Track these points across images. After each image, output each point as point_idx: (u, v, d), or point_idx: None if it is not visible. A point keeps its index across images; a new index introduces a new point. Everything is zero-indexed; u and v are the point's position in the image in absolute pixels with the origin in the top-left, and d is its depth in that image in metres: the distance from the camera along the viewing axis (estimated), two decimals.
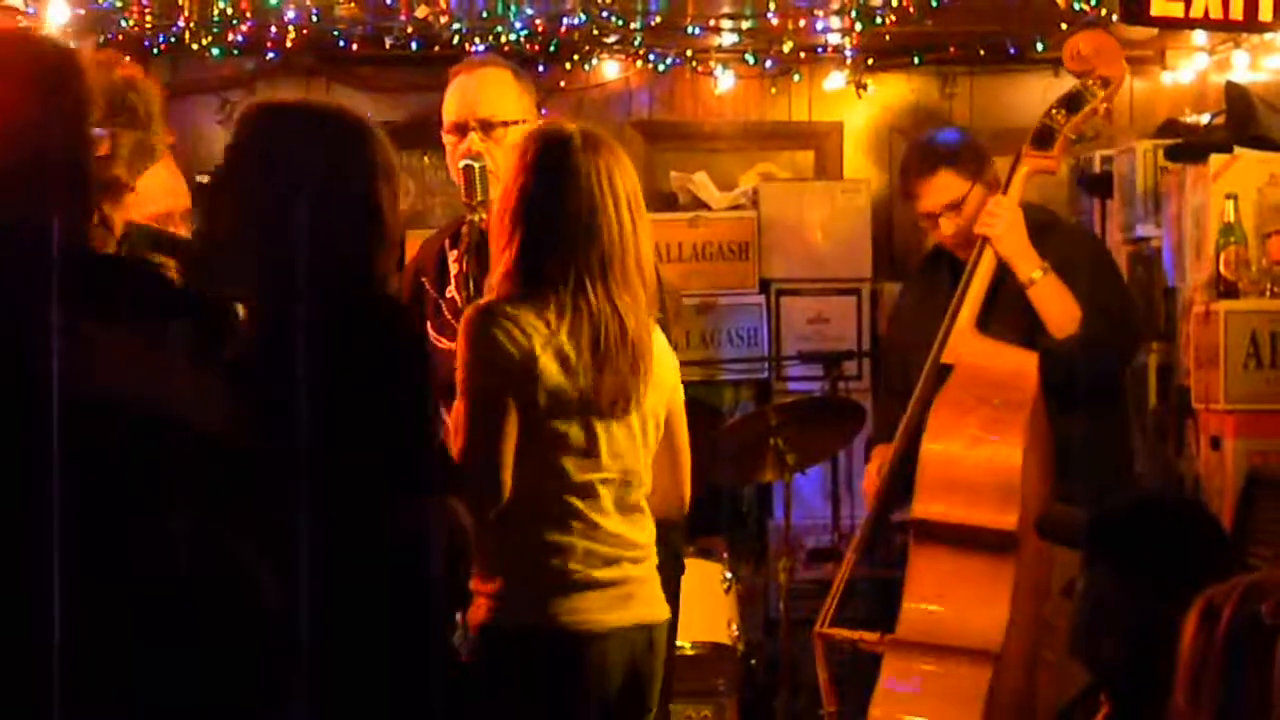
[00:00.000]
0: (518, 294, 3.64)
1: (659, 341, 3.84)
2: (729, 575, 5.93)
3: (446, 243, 4.48)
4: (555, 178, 3.64)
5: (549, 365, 3.60)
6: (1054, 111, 5.17)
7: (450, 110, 4.46)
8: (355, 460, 2.95)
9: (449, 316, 4.35)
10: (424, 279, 4.48)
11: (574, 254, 3.62)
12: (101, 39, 6.89)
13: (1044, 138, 5.16)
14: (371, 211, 3.18)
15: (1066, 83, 5.39)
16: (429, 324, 4.39)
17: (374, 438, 3.01)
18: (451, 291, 4.39)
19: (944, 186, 5.22)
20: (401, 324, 3.43)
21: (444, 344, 4.24)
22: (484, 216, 4.14)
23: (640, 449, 3.76)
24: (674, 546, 4.20)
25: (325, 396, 2.93)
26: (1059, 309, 5.01)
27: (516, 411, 3.61)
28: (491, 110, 4.41)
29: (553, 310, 3.62)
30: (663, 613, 3.84)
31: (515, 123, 4.41)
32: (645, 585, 3.78)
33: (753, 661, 6.28)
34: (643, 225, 3.72)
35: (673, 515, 4.08)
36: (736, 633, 5.88)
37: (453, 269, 4.40)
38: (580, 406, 3.64)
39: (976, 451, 4.85)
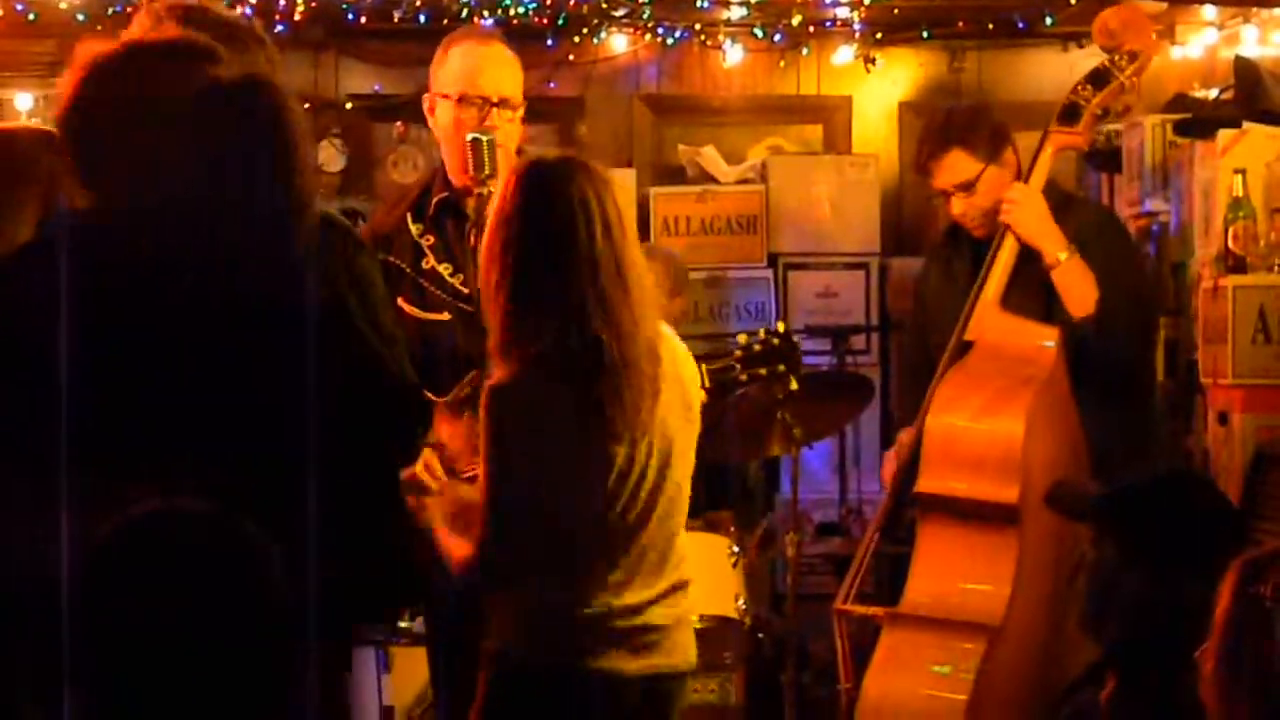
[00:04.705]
0: (524, 358, 3.55)
1: (678, 350, 3.79)
2: (736, 549, 5.93)
3: (408, 217, 4.45)
4: (539, 210, 3.57)
5: (565, 422, 3.54)
6: (1080, 87, 5.16)
7: (464, 81, 4.40)
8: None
9: (432, 288, 4.35)
10: (388, 257, 4.36)
11: (564, 285, 3.54)
12: (110, 13, 6.89)
13: (1070, 113, 5.14)
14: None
15: (1075, 57, 5.40)
16: (402, 299, 4.34)
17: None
18: (430, 264, 4.38)
19: (955, 166, 5.21)
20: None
21: (427, 315, 4.31)
22: (492, 191, 4.13)
23: (670, 470, 3.68)
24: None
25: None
26: (1081, 289, 4.99)
27: (540, 481, 3.56)
28: (512, 90, 4.39)
29: (554, 361, 3.53)
30: (685, 662, 3.77)
31: (522, 105, 4.43)
32: (671, 631, 3.72)
33: (760, 636, 6.28)
34: (630, 249, 3.62)
35: None
36: (744, 607, 5.88)
37: (424, 243, 4.39)
38: (597, 454, 3.57)
39: (979, 425, 4.86)
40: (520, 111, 4.41)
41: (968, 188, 5.20)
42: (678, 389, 3.72)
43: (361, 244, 3.52)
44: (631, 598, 3.65)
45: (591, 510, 3.59)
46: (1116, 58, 5.15)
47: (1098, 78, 5.15)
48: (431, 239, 4.38)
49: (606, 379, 3.54)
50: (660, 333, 3.69)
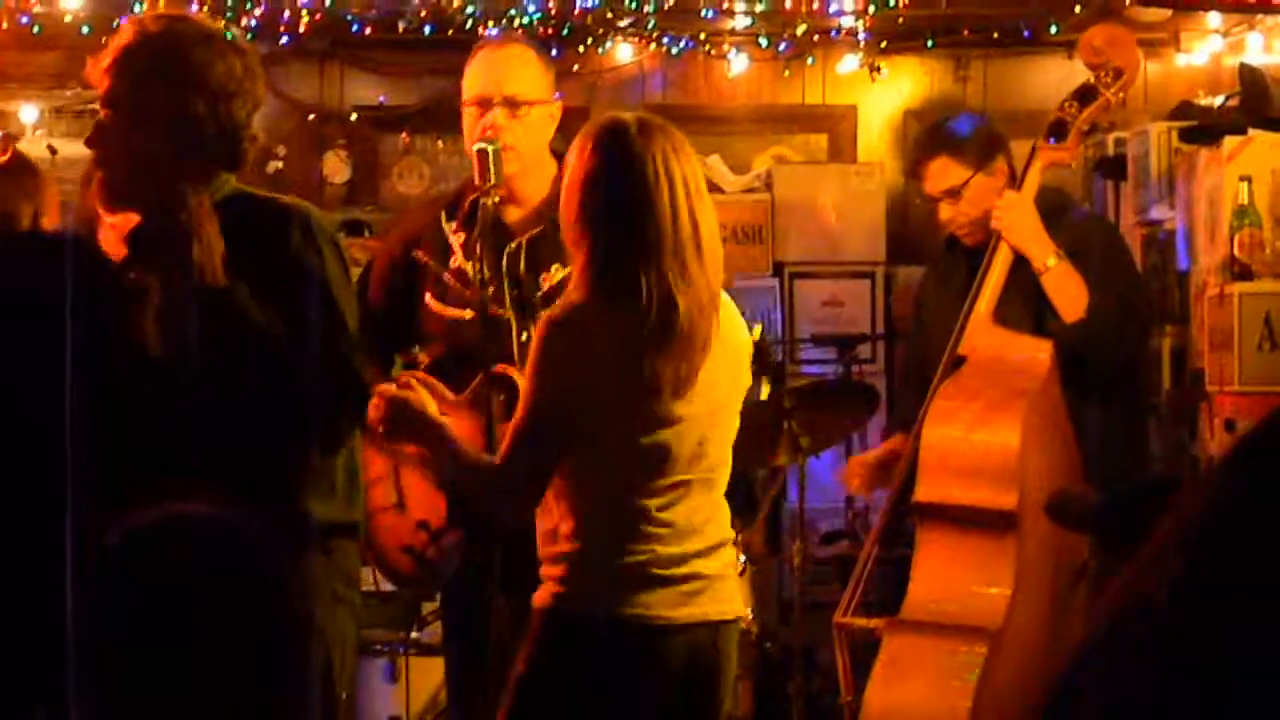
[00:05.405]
0: (588, 298, 3.58)
1: (733, 315, 3.81)
2: (743, 558, 5.93)
3: (442, 215, 4.49)
4: (614, 168, 3.58)
5: (617, 369, 3.55)
6: (1067, 104, 5.18)
7: (474, 84, 4.45)
8: None
9: (457, 285, 4.38)
10: (417, 252, 4.46)
11: (639, 243, 3.56)
12: (115, 25, 6.90)
13: (1058, 130, 5.16)
14: None
15: (1080, 66, 5.40)
16: (429, 294, 4.42)
17: None
18: (457, 261, 4.41)
19: (941, 172, 5.23)
20: None
21: (450, 312, 4.35)
22: (497, 200, 4.17)
23: (717, 430, 3.72)
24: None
25: None
26: (1070, 295, 5.01)
27: (580, 421, 3.57)
28: (516, 88, 4.40)
29: (621, 306, 3.55)
30: (732, 611, 3.78)
31: (538, 103, 4.43)
32: (716, 582, 3.72)
33: (767, 644, 6.28)
34: (704, 207, 3.65)
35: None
36: (751, 615, 5.89)
37: (454, 240, 4.42)
38: (649, 403, 3.59)
39: (974, 435, 4.87)
40: (538, 109, 4.43)
41: (954, 194, 5.22)
42: (731, 353, 3.75)
43: (294, 222, 3.64)
44: (677, 548, 3.65)
45: (632, 449, 3.60)
46: (1102, 74, 5.17)
47: (1084, 95, 5.17)
48: (463, 236, 4.42)
49: (664, 336, 3.55)
50: (720, 294, 3.71)
